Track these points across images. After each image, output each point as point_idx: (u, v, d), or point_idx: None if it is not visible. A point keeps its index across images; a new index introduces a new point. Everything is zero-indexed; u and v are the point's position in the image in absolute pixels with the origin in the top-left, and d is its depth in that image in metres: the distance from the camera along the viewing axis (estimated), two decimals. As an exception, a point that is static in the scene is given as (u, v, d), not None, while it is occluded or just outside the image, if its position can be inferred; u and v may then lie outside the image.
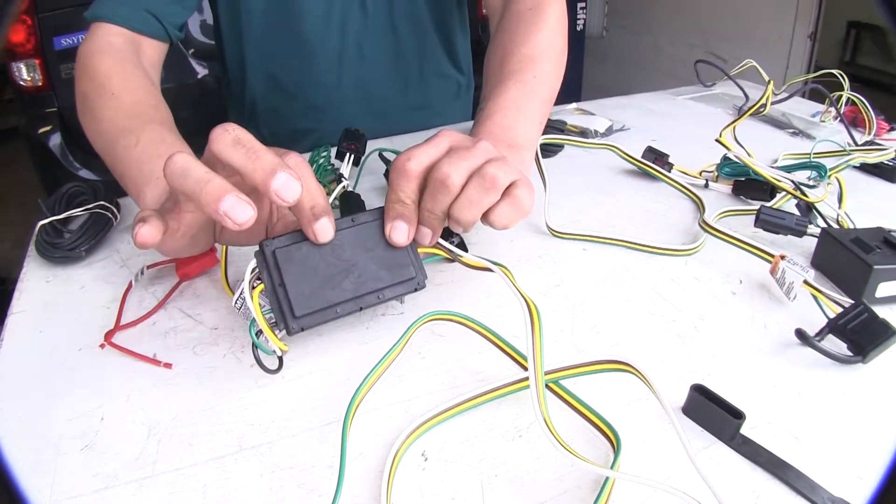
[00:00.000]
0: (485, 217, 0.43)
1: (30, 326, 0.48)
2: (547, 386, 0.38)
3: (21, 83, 1.80)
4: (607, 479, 0.32)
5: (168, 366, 0.43)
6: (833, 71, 0.87)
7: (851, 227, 0.58)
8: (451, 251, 0.44)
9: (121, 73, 0.58)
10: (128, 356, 0.44)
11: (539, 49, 0.59)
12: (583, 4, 2.74)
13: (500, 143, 0.50)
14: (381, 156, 0.69)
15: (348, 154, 0.66)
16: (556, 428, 0.32)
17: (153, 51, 0.65)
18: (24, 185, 2.50)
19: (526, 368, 0.40)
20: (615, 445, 0.35)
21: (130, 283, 0.50)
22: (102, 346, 0.44)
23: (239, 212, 0.35)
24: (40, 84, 1.80)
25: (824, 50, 2.40)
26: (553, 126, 0.79)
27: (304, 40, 0.79)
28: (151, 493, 0.34)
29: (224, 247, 0.50)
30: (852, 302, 0.45)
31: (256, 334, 0.39)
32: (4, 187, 2.82)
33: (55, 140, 1.86)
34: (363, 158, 0.68)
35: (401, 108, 0.88)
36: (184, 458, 0.36)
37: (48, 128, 1.86)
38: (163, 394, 0.41)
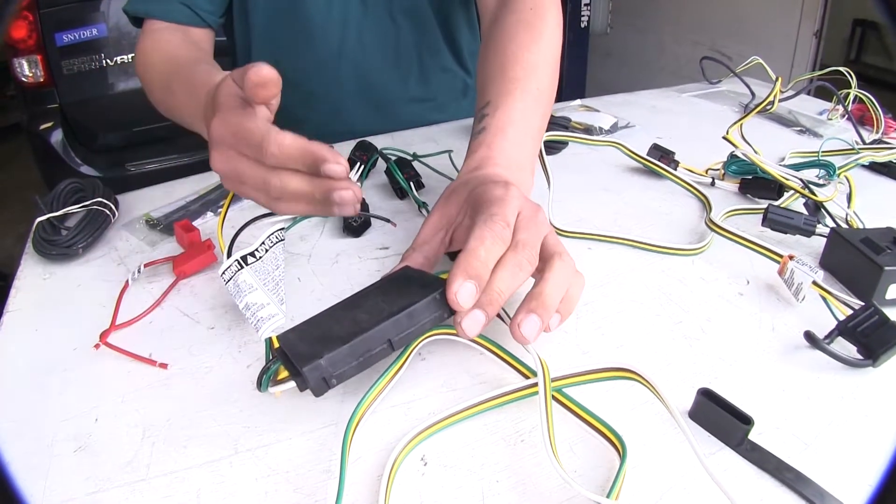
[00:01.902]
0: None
1: (25, 325, 0.47)
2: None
3: (23, 79, 1.79)
4: (612, 488, 0.31)
5: (164, 366, 0.42)
6: (840, 68, 0.86)
7: (861, 227, 0.57)
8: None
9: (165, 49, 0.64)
10: (123, 356, 0.43)
11: (542, 55, 0.58)
12: (587, 1, 2.72)
13: (513, 166, 0.49)
14: (381, 153, 0.69)
15: (359, 164, 0.67)
16: (561, 434, 0.31)
17: (195, 35, 0.69)
18: (25, 181, 2.51)
19: (527, 377, 0.40)
20: (621, 452, 0.34)
21: (127, 281, 0.50)
22: (97, 346, 0.43)
23: None
24: (42, 80, 1.79)
25: (829, 48, 2.38)
26: (557, 123, 0.78)
27: (307, 28, 0.79)
28: (145, 496, 0.34)
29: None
30: (862, 304, 0.44)
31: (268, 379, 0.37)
32: (6, 184, 2.82)
33: (57, 136, 1.86)
34: (368, 168, 0.68)
35: (401, 99, 0.87)
36: (178, 461, 0.35)
37: (50, 124, 1.85)
38: (158, 395, 0.40)
